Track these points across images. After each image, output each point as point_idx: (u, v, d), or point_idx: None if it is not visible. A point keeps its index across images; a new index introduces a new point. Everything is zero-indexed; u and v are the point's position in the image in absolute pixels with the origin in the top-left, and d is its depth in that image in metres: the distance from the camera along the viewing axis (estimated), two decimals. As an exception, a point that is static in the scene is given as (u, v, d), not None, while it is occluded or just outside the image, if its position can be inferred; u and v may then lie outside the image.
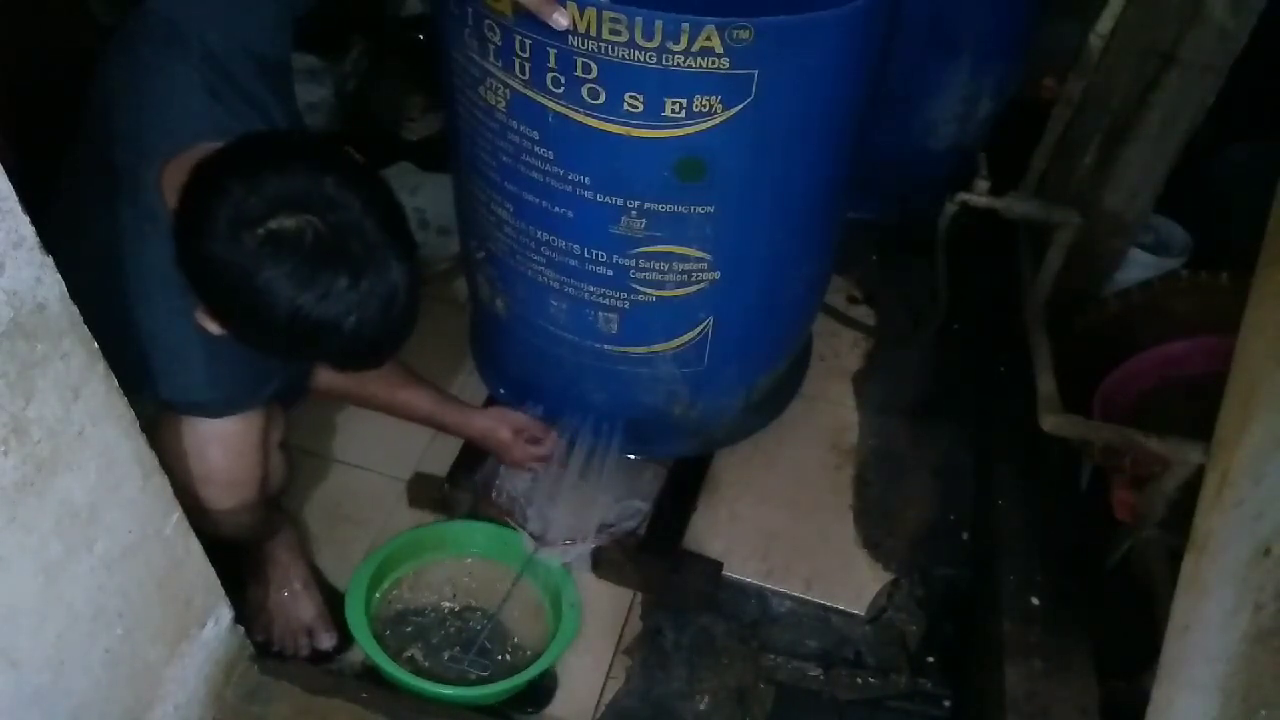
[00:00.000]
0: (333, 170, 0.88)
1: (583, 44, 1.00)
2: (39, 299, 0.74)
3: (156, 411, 1.08)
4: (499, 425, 1.45)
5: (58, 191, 1.07)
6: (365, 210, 0.88)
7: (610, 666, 1.36)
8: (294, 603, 1.35)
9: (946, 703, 1.37)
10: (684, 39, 0.98)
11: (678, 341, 1.33)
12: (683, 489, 1.54)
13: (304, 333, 0.88)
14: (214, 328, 0.94)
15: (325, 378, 1.30)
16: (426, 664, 1.34)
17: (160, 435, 1.09)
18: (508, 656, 1.35)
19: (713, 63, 1.00)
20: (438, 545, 1.44)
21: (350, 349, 0.92)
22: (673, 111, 1.04)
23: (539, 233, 1.23)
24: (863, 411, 1.72)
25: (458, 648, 1.35)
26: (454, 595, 1.41)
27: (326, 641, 1.35)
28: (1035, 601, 1.27)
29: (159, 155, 0.98)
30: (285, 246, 0.85)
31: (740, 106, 1.05)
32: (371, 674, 1.32)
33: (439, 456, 1.55)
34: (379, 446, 1.59)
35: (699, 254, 1.21)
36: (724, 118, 1.05)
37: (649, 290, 1.25)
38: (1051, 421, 1.25)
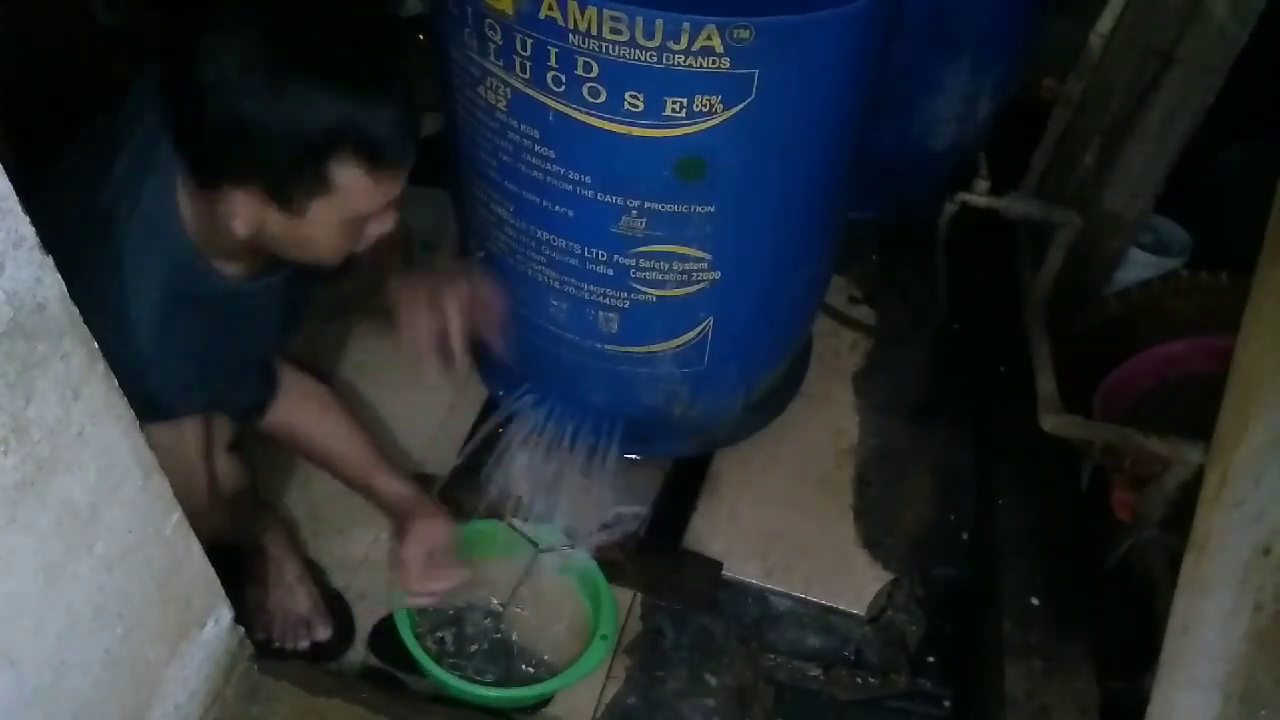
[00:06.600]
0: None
1: (583, 43, 1.00)
2: (39, 299, 0.74)
3: None
4: (423, 535, 1.22)
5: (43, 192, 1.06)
6: (342, 13, 0.90)
7: (610, 666, 1.36)
8: (289, 596, 1.35)
9: (946, 703, 1.37)
10: (684, 38, 0.98)
11: (678, 341, 1.33)
12: (683, 489, 1.54)
13: (313, 133, 0.88)
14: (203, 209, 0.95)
15: (280, 412, 1.25)
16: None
17: None
18: (511, 657, 1.35)
19: (713, 62, 1.00)
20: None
21: (371, 133, 0.91)
22: (673, 111, 1.04)
23: (539, 232, 1.23)
24: (863, 411, 1.71)
25: (473, 648, 1.35)
26: (453, 596, 1.41)
27: (322, 633, 1.35)
28: (1035, 601, 1.27)
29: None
30: (272, 48, 0.87)
31: (740, 106, 1.05)
32: (372, 674, 1.32)
33: (439, 457, 1.55)
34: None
35: (699, 254, 1.21)
36: (724, 117, 1.05)
37: (649, 290, 1.25)
38: (1051, 421, 1.25)
